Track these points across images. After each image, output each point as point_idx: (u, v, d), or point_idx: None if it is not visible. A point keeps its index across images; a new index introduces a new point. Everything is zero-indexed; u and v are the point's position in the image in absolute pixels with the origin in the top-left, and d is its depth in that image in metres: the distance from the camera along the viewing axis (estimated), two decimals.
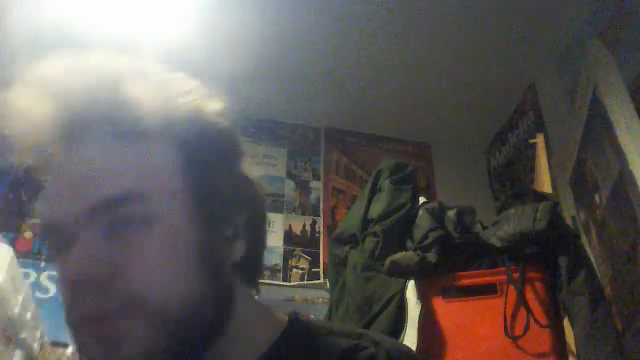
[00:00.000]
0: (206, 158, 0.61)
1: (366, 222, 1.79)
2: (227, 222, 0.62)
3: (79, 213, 0.56)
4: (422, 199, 1.83)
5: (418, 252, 1.62)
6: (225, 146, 0.64)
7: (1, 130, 0.60)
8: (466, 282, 1.61)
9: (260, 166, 2.78)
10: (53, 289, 2.17)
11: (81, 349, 0.56)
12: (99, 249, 0.55)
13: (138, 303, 0.54)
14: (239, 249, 0.63)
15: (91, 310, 0.54)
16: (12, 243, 2.01)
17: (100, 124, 0.58)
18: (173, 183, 0.59)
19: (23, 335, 1.73)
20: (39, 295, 2.09)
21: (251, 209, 0.66)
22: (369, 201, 1.84)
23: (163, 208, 0.57)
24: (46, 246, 0.62)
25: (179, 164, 0.60)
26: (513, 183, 2.74)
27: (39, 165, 0.62)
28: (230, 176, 0.64)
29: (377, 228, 1.72)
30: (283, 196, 2.75)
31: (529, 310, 1.49)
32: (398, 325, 1.55)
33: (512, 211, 1.63)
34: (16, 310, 1.68)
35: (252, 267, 0.68)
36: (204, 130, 0.62)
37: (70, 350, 1.90)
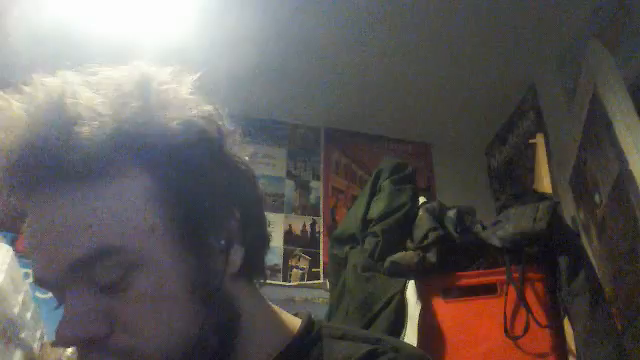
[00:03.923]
0: (180, 174, 0.57)
1: (366, 222, 1.79)
2: (217, 235, 0.59)
3: (58, 273, 0.54)
4: (422, 199, 1.82)
5: (418, 252, 1.62)
6: (201, 151, 0.58)
7: None
8: (466, 282, 1.61)
9: (260, 166, 2.78)
10: None
11: None
12: (86, 308, 0.53)
13: (136, 356, 0.53)
14: (237, 257, 0.60)
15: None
16: (12, 243, 2.01)
17: (55, 172, 0.53)
18: (148, 217, 0.55)
19: (23, 335, 1.73)
20: (39, 295, 2.09)
21: (244, 206, 0.62)
22: (369, 201, 1.84)
23: (143, 250, 0.54)
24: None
25: (150, 193, 0.56)
26: (513, 183, 2.74)
27: (10, 214, 0.58)
28: (213, 181, 0.59)
29: (377, 228, 1.72)
30: (283, 196, 2.75)
31: (529, 310, 1.49)
32: (398, 325, 1.55)
33: (512, 211, 1.63)
34: (16, 310, 1.68)
35: (256, 265, 0.65)
36: (171, 145, 0.56)
37: (70, 350, 1.90)
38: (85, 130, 0.53)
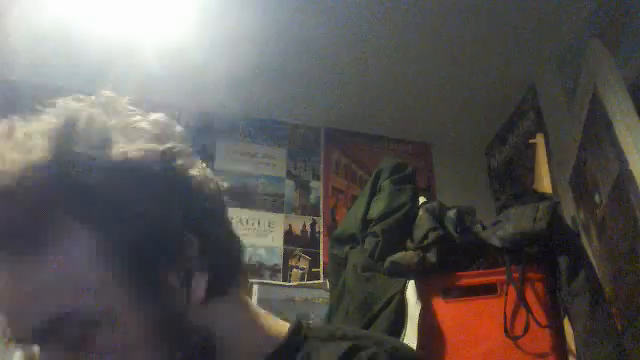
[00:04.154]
0: (123, 220, 0.54)
1: (366, 222, 1.79)
2: (174, 271, 0.56)
3: (25, 335, 0.54)
4: (422, 199, 1.82)
5: (418, 252, 1.62)
6: (144, 189, 0.55)
7: None
8: (466, 282, 1.61)
9: (260, 166, 2.79)
10: None
11: None
12: None
13: None
14: (201, 285, 0.58)
15: None
16: None
17: None
18: (99, 273, 0.53)
19: None
20: None
21: (203, 229, 0.58)
22: (369, 201, 1.83)
23: (100, 306, 0.53)
24: None
25: (96, 247, 0.53)
26: (513, 183, 2.74)
27: None
28: (162, 217, 0.55)
29: (377, 228, 1.72)
30: (283, 196, 2.75)
31: (529, 310, 1.49)
32: (398, 325, 1.55)
33: (512, 211, 1.63)
34: None
35: (228, 280, 0.62)
36: (109, 192, 0.53)
37: None
38: (13, 202, 0.51)
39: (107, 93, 0.60)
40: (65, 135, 0.54)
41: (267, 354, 0.62)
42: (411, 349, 0.69)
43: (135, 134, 0.57)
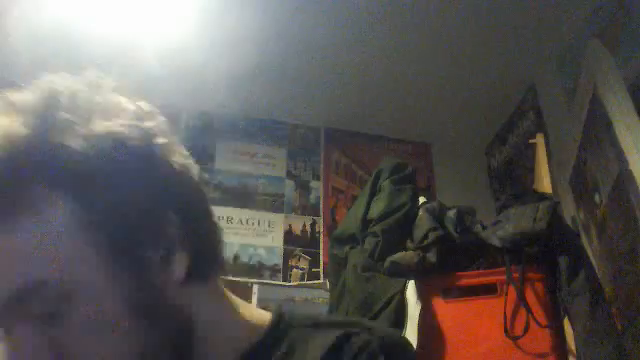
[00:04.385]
0: (104, 192, 0.53)
1: (366, 222, 1.79)
2: (154, 247, 0.56)
3: None
4: (422, 199, 1.83)
5: (418, 252, 1.62)
6: (125, 164, 0.54)
7: None
8: (466, 282, 1.61)
9: (260, 166, 2.79)
10: None
11: None
12: (31, 345, 0.52)
13: None
14: (181, 264, 0.57)
15: None
16: None
17: None
18: (76, 244, 0.52)
19: None
20: None
21: (184, 210, 0.58)
22: (369, 201, 1.84)
23: (75, 277, 0.52)
24: None
25: (75, 217, 0.53)
26: (513, 183, 2.74)
27: None
28: (143, 192, 0.55)
29: (377, 228, 1.72)
30: (283, 196, 2.75)
31: (529, 310, 1.49)
32: (398, 325, 1.55)
33: (512, 211, 1.63)
34: None
35: (209, 266, 0.62)
36: (90, 163, 0.53)
37: None
38: None
39: (93, 73, 0.61)
40: (48, 106, 0.54)
41: (251, 341, 0.61)
42: (402, 336, 0.69)
43: (118, 110, 0.58)
